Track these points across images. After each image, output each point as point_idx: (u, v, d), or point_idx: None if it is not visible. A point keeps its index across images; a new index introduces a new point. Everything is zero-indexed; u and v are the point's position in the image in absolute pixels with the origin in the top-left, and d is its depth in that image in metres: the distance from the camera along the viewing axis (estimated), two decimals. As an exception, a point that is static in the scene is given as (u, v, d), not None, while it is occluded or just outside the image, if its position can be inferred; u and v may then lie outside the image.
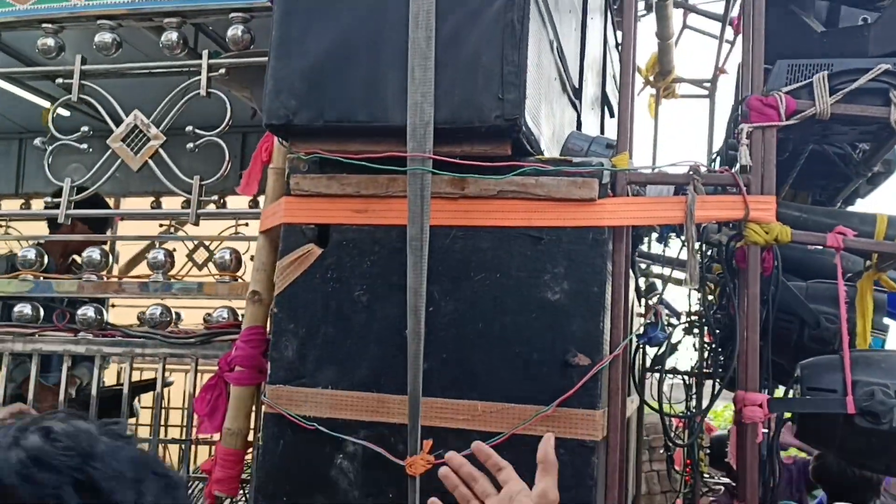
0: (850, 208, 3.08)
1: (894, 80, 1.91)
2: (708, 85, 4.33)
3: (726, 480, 4.05)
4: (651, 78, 4.31)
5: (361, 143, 2.02)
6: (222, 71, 2.62)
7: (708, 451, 4.11)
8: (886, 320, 2.29)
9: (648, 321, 2.17)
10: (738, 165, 2.03)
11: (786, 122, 1.92)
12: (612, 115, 3.86)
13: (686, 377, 3.62)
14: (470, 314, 1.98)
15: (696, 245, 1.94)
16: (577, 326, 1.93)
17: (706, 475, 4.01)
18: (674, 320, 2.60)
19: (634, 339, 2.26)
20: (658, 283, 3.16)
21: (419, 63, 1.89)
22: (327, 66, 2.00)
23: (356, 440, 1.97)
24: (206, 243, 4.60)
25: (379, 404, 1.99)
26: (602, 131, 3.54)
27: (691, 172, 1.95)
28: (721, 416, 9.64)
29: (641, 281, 2.99)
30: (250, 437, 2.29)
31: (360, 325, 2.04)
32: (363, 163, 1.98)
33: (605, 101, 3.64)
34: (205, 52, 2.65)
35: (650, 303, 2.67)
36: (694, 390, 3.72)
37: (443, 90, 1.90)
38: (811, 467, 3.85)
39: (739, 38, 3.80)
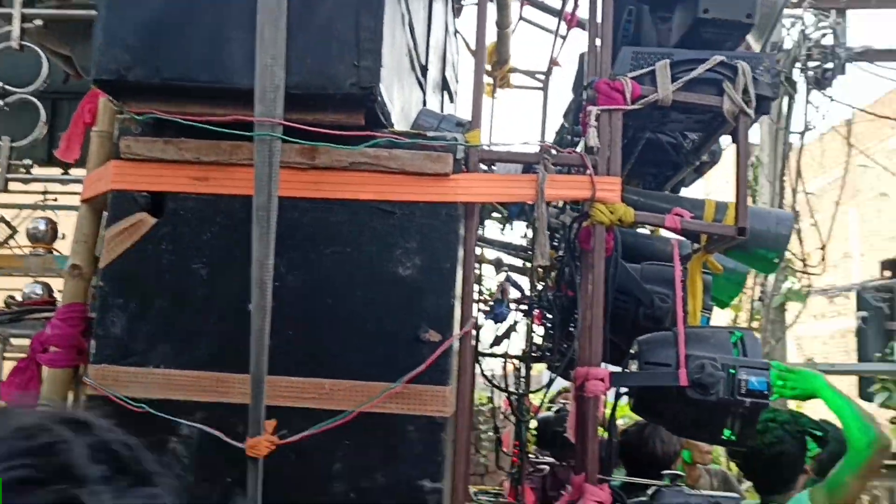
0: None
1: (727, 72, 2.02)
2: (542, 77, 4.44)
3: (550, 460, 4.18)
4: (489, 66, 4.37)
5: (203, 105, 1.89)
6: (38, 23, 2.37)
7: (535, 432, 4.24)
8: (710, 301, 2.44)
9: (496, 298, 2.19)
10: (581, 145, 2.08)
11: (631, 106, 1.99)
12: (451, 101, 3.88)
13: (516, 360, 3.70)
14: (319, 289, 1.90)
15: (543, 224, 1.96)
16: (429, 302, 1.90)
17: (532, 455, 4.12)
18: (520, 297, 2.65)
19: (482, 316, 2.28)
20: (504, 259, 3.21)
21: (269, 22, 1.77)
22: (166, 19, 1.85)
23: (191, 423, 1.85)
24: (8, 219, 4.20)
25: (218, 383, 1.87)
26: (442, 115, 3.53)
27: (542, 152, 1.97)
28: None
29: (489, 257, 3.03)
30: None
31: (199, 300, 1.90)
32: (205, 126, 1.85)
33: (444, 85, 3.65)
34: (17, 0, 2.38)
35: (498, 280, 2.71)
36: (523, 373, 3.82)
37: (294, 54, 1.80)
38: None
39: (573, 32, 3.93)
